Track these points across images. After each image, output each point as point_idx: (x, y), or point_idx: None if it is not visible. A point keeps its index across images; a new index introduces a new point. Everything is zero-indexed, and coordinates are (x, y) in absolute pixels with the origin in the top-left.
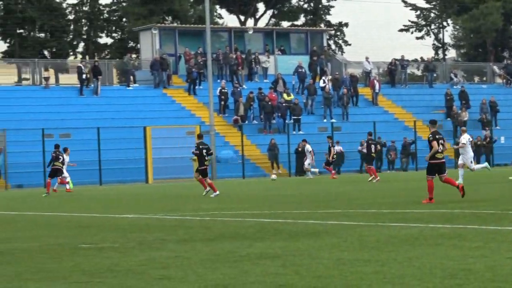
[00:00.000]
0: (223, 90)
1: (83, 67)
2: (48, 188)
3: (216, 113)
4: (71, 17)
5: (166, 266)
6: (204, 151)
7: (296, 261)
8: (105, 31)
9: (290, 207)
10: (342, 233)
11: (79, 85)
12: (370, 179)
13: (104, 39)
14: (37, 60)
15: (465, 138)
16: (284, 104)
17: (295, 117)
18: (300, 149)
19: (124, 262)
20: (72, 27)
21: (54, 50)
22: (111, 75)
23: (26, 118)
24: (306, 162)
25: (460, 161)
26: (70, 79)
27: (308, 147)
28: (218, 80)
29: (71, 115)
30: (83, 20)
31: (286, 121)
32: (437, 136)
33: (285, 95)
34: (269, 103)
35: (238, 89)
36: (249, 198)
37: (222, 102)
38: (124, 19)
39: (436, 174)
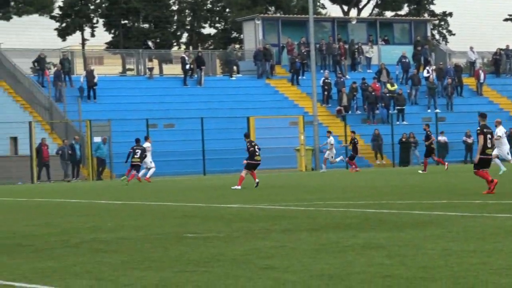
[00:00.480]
0: (326, 80)
1: (186, 58)
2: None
3: (319, 103)
4: (175, 7)
5: (270, 256)
6: (256, 147)
7: (401, 251)
8: (209, 22)
9: (394, 197)
10: (447, 224)
11: (182, 76)
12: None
13: (208, 30)
14: (141, 51)
15: (501, 131)
16: (387, 94)
17: (399, 107)
18: (404, 139)
19: (229, 251)
20: (175, 17)
21: (158, 40)
22: (214, 65)
23: (130, 109)
24: (327, 154)
25: (494, 153)
26: (173, 69)
27: (331, 139)
28: (321, 71)
29: (175, 105)
30: (187, 11)
31: (390, 112)
32: (485, 130)
33: (388, 85)
34: (373, 93)
35: (341, 79)
36: (352, 189)
37: (326, 93)
38: (227, 10)
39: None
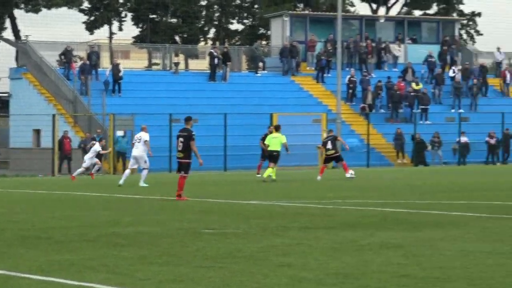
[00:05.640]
0: (352, 79)
1: (215, 53)
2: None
3: (343, 101)
4: (203, 3)
5: (287, 253)
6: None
7: (418, 251)
8: (237, 18)
9: (413, 197)
10: (465, 225)
11: (208, 71)
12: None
13: (235, 26)
14: (168, 46)
15: None
16: (412, 94)
17: (423, 107)
18: (418, 139)
19: (246, 248)
20: (204, 13)
21: (185, 35)
22: (240, 61)
23: (154, 103)
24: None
25: None
26: (199, 64)
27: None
28: (347, 69)
29: (199, 100)
30: (215, 6)
31: (414, 111)
32: None
33: (413, 84)
34: (397, 92)
35: (367, 78)
36: (372, 187)
37: (350, 91)
38: (255, 6)
39: None
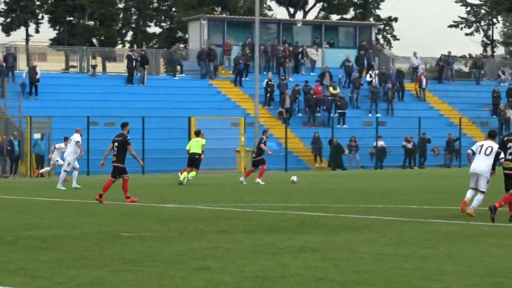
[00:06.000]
0: (269, 82)
1: (133, 56)
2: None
3: (261, 105)
4: (121, 5)
5: (205, 257)
6: None
7: (336, 255)
8: (154, 20)
9: (331, 200)
10: (383, 228)
11: (126, 74)
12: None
13: (153, 28)
14: (85, 48)
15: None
16: (329, 98)
17: (340, 111)
18: (335, 143)
19: (164, 251)
20: (121, 15)
21: (102, 38)
22: (158, 64)
23: (72, 106)
24: None
25: None
26: (117, 67)
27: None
28: (265, 72)
29: (117, 103)
30: (133, 9)
31: (331, 115)
32: None
33: (331, 89)
34: (314, 96)
35: (284, 82)
36: (290, 191)
37: (268, 94)
38: (173, 9)
39: None
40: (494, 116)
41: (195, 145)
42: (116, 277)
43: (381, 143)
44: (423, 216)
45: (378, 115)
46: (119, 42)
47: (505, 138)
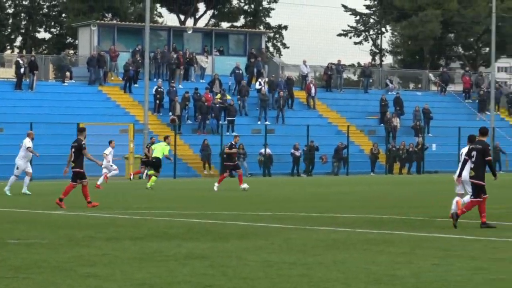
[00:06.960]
0: (159, 89)
1: (21, 62)
2: None
3: (151, 112)
4: (10, 10)
5: (93, 264)
6: None
7: (224, 262)
8: (44, 26)
9: (220, 208)
10: (270, 236)
11: (14, 79)
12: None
13: (43, 34)
14: None
15: None
16: (218, 105)
17: (230, 118)
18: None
19: (51, 258)
20: (10, 21)
21: None
22: (47, 70)
23: None
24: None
25: None
26: (5, 72)
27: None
28: (155, 79)
29: (5, 109)
30: (22, 14)
31: (220, 122)
32: None
33: (218, 96)
34: (205, 103)
35: (174, 89)
36: (179, 198)
37: (158, 101)
38: (63, 15)
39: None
40: (381, 125)
41: (158, 150)
42: (1, 285)
43: (268, 150)
44: (310, 224)
45: (267, 122)
46: (8, 47)
47: (471, 147)
